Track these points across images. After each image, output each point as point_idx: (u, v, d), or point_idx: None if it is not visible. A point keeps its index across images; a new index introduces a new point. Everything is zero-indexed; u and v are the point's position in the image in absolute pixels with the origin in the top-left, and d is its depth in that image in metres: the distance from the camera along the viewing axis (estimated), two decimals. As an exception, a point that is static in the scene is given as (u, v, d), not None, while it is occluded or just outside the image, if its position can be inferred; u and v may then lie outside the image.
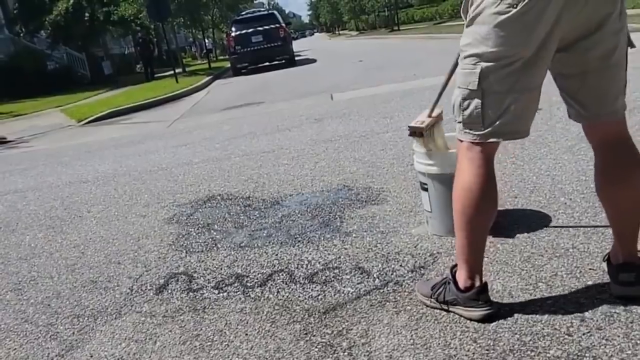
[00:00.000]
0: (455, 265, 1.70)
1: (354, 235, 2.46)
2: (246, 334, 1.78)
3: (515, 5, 1.38)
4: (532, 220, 2.27)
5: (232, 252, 2.51)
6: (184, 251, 2.63)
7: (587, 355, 1.40)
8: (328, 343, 1.65)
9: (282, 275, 2.18)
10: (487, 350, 1.49)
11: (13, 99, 15.84)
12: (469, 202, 1.57)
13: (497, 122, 1.50)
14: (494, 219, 1.64)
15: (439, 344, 1.55)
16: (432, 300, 1.73)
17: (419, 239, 2.29)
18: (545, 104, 4.39)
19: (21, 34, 20.05)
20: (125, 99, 11.98)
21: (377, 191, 3.02)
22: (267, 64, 16.54)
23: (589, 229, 2.11)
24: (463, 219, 1.60)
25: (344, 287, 1.99)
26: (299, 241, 2.50)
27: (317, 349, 1.63)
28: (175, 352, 1.75)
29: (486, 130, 1.51)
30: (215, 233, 2.81)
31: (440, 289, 1.70)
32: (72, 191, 4.29)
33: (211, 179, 3.94)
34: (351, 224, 2.60)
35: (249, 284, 2.15)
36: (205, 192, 3.60)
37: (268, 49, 15.84)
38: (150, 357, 1.75)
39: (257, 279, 2.19)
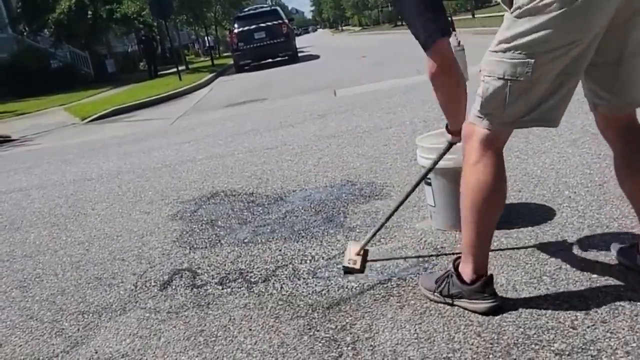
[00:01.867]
0: (458, 259, 1.70)
1: (357, 230, 2.46)
2: (250, 329, 1.79)
3: None
4: (536, 214, 2.26)
5: (236, 248, 2.51)
6: (188, 247, 2.63)
7: (591, 348, 1.40)
8: (332, 338, 1.65)
9: (286, 270, 2.19)
10: (491, 344, 1.48)
11: (16, 98, 15.90)
12: (481, 195, 1.55)
13: (540, 108, 1.46)
14: (501, 211, 1.63)
15: (443, 338, 1.55)
16: (436, 294, 1.73)
17: (422, 234, 2.28)
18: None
19: (24, 33, 20.10)
20: (128, 96, 12.00)
21: (380, 186, 3.02)
22: (269, 60, 16.53)
23: (593, 222, 2.10)
24: (474, 212, 1.58)
25: (348, 282, 1.99)
26: (303, 237, 2.50)
27: (320, 344, 1.63)
28: (179, 348, 1.75)
29: (527, 117, 1.48)
30: (218, 229, 2.81)
31: (444, 283, 1.70)
32: (77, 189, 4.30)
33: (215, 175, 3.94)
34: (355, 219, 2.59)
35: (252, 280, 2.15)
36: (208, 189, 3.60)
37: (271, 45, 15.82)
38: (154, 352, 1.76)
39: (260, 274, 2.19)
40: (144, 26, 21.36)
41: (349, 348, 1.58)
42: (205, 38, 31.05)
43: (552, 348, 1.42)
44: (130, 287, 2.29)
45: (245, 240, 2.59)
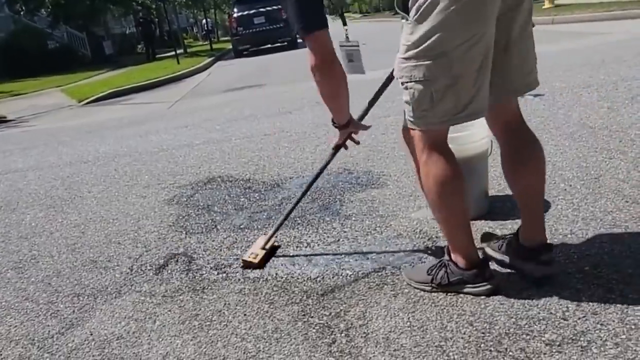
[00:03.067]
0: (448, 247, 1.72)
1: (353, 218, 2.47)
2: (245, 315, 1.80)
3: None
4: (531, 206, 2.27)
5: (232, 234, 2.52)
6: (184, 232, 2.64)
7: (581, 339, 1.42)
8: (326, 324, 1.67)
9: (281, 257, 2.19)
10: (482, 333, 1.50)
11: (13, 78, 15.77)
12: (442, 189, 1.59)
13: (472, 102, 1.50)
14: (464, 195, 1.66)
15: (436, 326, 1.57)
16: (433, 285, 1.73)
17: (418, 223, 2.29)
18: (548, 90, 4.38)
19: (21, 12, 19.87)
20: (126, 79, 11.93)
21: (377, 175, 3.02)
22: (269, 46, 16.41)
23: (587, 215, 2.11)
24: (442, 207, 1.63)
25: (343, 269, 2.00)
26: (299, 224, 2.51)
27: (314, 330, 1.65)
28: (174, 332, 1.77)
29: (463, 112, 1.52)
30: (215, 214, 2.81)
31: (441, 273, 1.71)
32: (73, 171, 4.29)
33: (212, 160, 3.94)
34: (351, 208, 2.60)
35: (248, 266, 2.16)
36: (205, 174, 3.60)
37: (270, 30, 15.69)
38: (149, 335, 1.77)
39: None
40: (142, 8, 21.16)
41: (343, 335, 1.60)
42: (204, 21, 30.79)
43: (542, 338, 1.44)
44: (126, 271, 2.30)
45: (241, 226, 2.60)
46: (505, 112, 1.68)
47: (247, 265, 2.12)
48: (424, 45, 1.46)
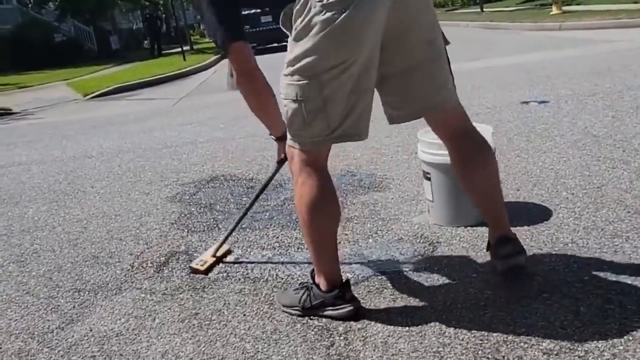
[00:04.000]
0: (314, 271, 1.73)
1: (355, 221, 2.47)
2: (244, 315, 1.81)
3: (343, 11, 1.39)
4: (532, 214, 2.27)
5: (234, 233, 2.52)
6: (186, 230, 2.65)
7: (579, 349, 1.42)
8: (325, 327, 1.67)
9: (282, 258, 2.20)
10: (480, 340, 1.50)
11: (19, 71, 15.84)
12: (314, 212, 1.61)
13: (344, 125, 1.52)
14: (339, 222, 1.71)
15: (434, 332, 1.57)
16: (297, 308, 1.73)
17: (419, 228, 2.30)
18: (553, 97, 4.37)
19: (29, 5, 19.95)
20: (132, 74, 11.97)
21: (380, 178, 3.03)
22: (275, 44, 16.42)
23: (589, 224, 2.11)
24: (312, 229, 1.65)
25: (343, 272, 1.99)
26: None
27: (313, 332, 1.65)
28: (173, 330, 1.78)
29: (334, 134, 1.53)
30: (217, 213, 2.82)
31: (304, 296, 1.71)
32: (76, 166, 4.31)
33: (215, 159, 3.95)
34: (353, 210, 2.61)
35: (248, 265, 2.17)
36: (208, 172, 3.61)
37: (277, 30, 15.57)
38: (148, 333, 1.78)
39: (257, 260, 2.21)
40: (150, 3, 21.20)
41: (341, 338, 1.61)
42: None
43: (540, 347, 1.44)
44: (127, 267, 2.31)
45: (243, 226, 2.60)
46: (443, 123, 1.72)
47: (194, 271, 2.14)
48: (297, 65, 1.49)
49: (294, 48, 1.50)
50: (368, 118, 1.58)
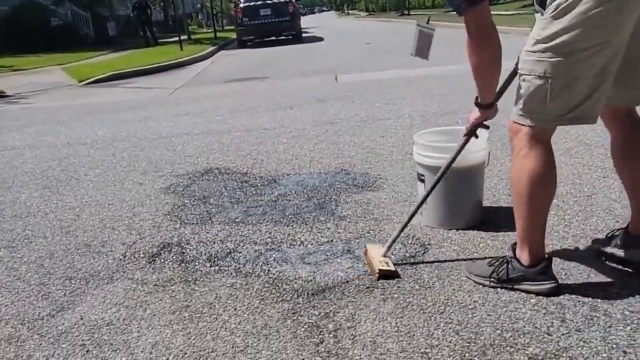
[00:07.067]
0: (514, 245, 1.77)
1: (347, 220, 2.49)
2: (235, 309, 1.82)
3: None
4: (523, 219, 2.29)
5: (227, 227, 2.53)
6: (179, 222, 2.65)
7: (564, 355, 1.45)
8: (314, 324, 1.69)
9: (274, 253, 2.22)
10: (468, 342, 1.53)
11: (14, 53, 15.67)
12: (535, 184, 1.63)
13: (583, 105, 1.54)
14: (553, 199, 1.72)
15: (422, 333, 1.59)
16: (491, 280, 1.78)
17: (411, 229, 2.31)
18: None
19: (26, -13, 19.70)
20: (128, 62, 11.88)
21: (374, 178, 3.05)
22: (273, 38, 16.38)
23: (578, 232, 2.14)
24: (528, 201, 1.65)
25: (334, 270, 2.03)
26: (293, 221, 2.53)
27: (303, 329, 1.67)
28: (164, 321, 1.79)
29: (570, 115, 1.56)
30: (210, 206, 2.83)
31: (502, 268, 1.75)
32: (70, 152, 4.29)
33: (210, 151, 3.95)
34: (346, 209, 2.62)
35: (241, 260, 2.18)
36: (203, 165, 3.61)
37: (276, 23, 15.64)
38: (139, 323, 1.79)
39: (249, 255, 2.22)
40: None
41: (331, 335, 1.63)
42: (210, 9, 30.60)
43: (526, 352, 1.47)
44: (119, 257, 2.32)
45: (236, 220, 2.62)
46: (620, 110, 1.74)
47: (386, 274, 1.92)
48: (553, 42, 1.50)
49: (550, 25, 1.50)
50: (603, 102, 1.59)
